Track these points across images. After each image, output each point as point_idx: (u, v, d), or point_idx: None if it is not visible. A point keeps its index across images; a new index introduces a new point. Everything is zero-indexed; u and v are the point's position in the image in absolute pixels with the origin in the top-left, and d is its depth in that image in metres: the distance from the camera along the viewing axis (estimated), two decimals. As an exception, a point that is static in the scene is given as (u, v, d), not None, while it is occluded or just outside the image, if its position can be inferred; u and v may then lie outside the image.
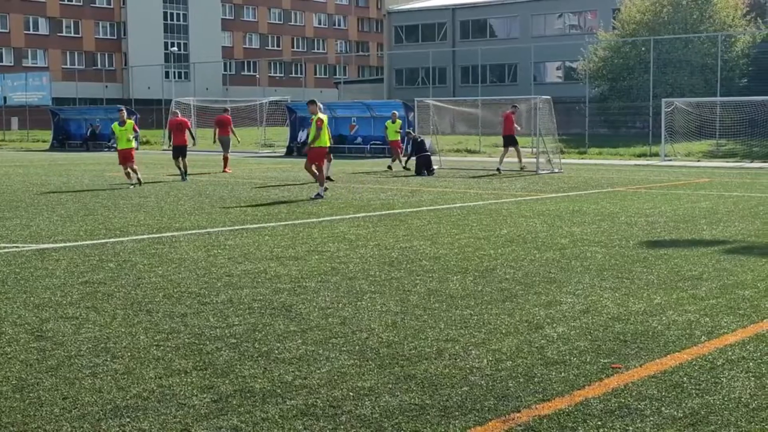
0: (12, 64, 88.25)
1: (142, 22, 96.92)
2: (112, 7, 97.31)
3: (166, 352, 6.40)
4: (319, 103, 19.85)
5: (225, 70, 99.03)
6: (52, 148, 51.80)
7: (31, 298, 8.24)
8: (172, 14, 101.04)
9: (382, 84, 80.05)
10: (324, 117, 19.25)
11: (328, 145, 19.59)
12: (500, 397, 5.38)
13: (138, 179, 22.05)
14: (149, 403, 5.26)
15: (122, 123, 22.24)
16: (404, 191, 20.54)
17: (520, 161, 27.90)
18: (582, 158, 38.15)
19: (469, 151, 41.92)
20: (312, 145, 19.18)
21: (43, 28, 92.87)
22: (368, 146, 40.52)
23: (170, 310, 7.72)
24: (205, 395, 5.41)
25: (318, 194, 18.75)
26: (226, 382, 5.68)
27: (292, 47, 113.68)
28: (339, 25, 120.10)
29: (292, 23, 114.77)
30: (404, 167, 28.62)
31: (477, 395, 5.41)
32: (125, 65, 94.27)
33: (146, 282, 9.05)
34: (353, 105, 45.05)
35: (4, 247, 11.55)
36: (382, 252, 11.05)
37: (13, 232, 13.15)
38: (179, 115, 27.07)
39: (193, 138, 26.22)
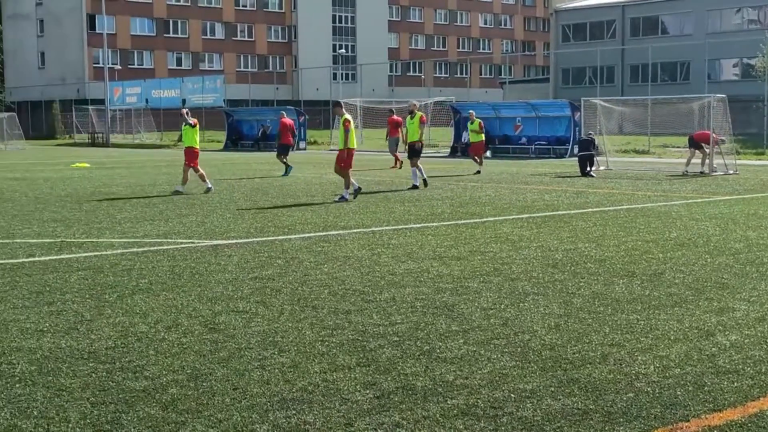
0: (190, 67, 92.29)
1: (311, 25, 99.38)
2: (283, 11, 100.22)
3: (330, 347, 6.54)
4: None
5: (391, 71, 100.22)
6: (226, 148, 53.80)
7: (205, 292, 8.60)
8: (340, 17, 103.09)
9: (547, 84, 79.07)
10: (351, 118, 18.97)
11: (353, 147, 18.73)
12: (667, 405, 5.23)
13: (180, 186, 20.54)
14: (314, 397, 5.40)
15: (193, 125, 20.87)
16: (569, 192, 20.22)
17: (702, 164, 26.80)
18: (759, 159, 36.46)
19: (638, 152, 40.84)
20: (343, 147, 18.67)
21: (219, 33, 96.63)
22: (533, 147, 40.11)
23: (335, 307, 7.89)
24: (367, 391, 5.50)
25: (342, 196, 18.22)
26: (389, 379, 5.76)
27: (458, 47, 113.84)
28: (505, 24, 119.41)
29: (458, 23, 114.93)
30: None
31: (643, 402, 5.27)
32: (295, 67, 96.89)
33: (312, 279, 9.28)
34: (518, 105, 44.71)
35: (181, 243, 12.10)
36: (545, 253, 10.93)
37: (190, 228, 13.75)
38: (285, 115, 29.11)
39: (294, 138, 28.87)
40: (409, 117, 22.82)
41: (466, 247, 11.47)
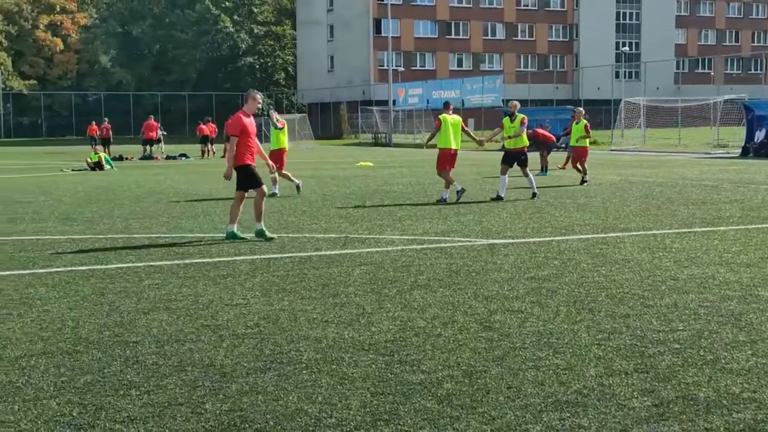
0: (470, 68, 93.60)
1: (594, 23, 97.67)
2: (565, 9, 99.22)
3: (607, 351, 6.39)
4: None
5: (677, 68, 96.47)
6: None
7: (481, 290, 8.68)
8: (624, 14, 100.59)
9: None
10: (449, 118, 18.25)
11: (450, 147, 18.27)
12: None
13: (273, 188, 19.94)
14: (589, 401, 5.30)
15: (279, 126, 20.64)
16: None
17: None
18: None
19: None
20: (437, 146, 18.60)
21: (500, 34, 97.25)
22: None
23: (612, 310, 7.70)
24: (645, 398, 5.33)
25: (442, 198, 18.25)
26: (668, 387, 5.54)
27: (752, 42, 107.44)
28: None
29: (753, 16, 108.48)
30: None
31: None
32: (576, 66, 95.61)
33: (589, 281, 9.11)
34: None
35: (459, 241, 12.29)
36: None
37: (467, 227, 13.94)
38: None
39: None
40: (508, 118, 19.33)
41: (756, 253, 10.81)
